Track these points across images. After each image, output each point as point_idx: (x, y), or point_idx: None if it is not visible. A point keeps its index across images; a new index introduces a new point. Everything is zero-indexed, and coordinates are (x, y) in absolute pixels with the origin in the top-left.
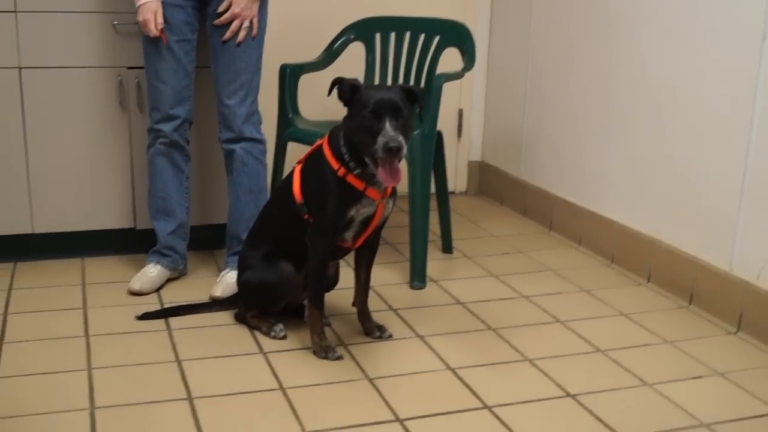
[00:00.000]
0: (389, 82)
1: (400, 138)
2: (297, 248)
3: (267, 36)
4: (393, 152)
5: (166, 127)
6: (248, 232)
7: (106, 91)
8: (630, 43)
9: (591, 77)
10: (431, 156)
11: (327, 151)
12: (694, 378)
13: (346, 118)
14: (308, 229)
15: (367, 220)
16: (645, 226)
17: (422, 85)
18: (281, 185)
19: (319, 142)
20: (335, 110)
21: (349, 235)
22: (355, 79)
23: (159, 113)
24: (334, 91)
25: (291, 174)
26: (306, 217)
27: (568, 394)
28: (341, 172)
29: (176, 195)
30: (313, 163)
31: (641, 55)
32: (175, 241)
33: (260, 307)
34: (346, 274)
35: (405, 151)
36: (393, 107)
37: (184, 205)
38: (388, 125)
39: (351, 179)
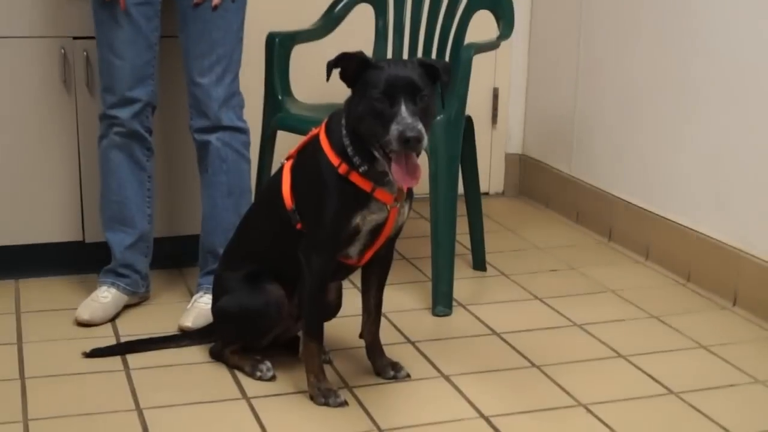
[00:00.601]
0: (405, 55)
1: (419, 126)
2: (288, 266)
3: None
4: (411, 144)
5: (123, 113)
6: (225, 247)
7: (45, 68)
8: (713, 6)
9: (661, 49)
10: (458, 148)
11: (324, 143)
12: None
13: (349, 101)
14: (302, 241)
15: (376, 230)
16: (730, 235)
17: (447, 58)
18: (267, 186)
19: (314, 131)
20: (337, 91)
21: (353, 249)
22: (361, 52)
23: (114, 96)
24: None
25: (279, 172)
26: (299, 226)
27: None
28: (343, 169)
29: (136, 199)
30: (306, 159)
31: (727, 23)
32: (134, 258)
33: (242, 340)
34: (351, 298)
35: (426, 142)
36: (410, 87)
37: (146, 211)
38: (403, 110)
39: (355, 178)
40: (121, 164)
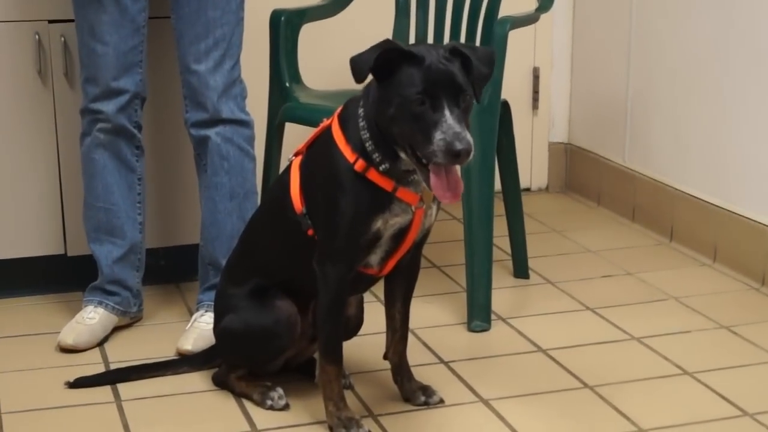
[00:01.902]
0: (431, 31)
1: (468, 136)
2: (300, 279)
3: None
4: (460, 157)
5: (108, 107)
6: (228, 258)
7: (17, 57)
8: None
9: (727, 16)
10: (494, 138)
11: (338, 136)
12: None
13: (374, 93)
14: (316, 250)
15: (399, 235)
16: None
17: (479, 34)
18: (274, 187)
19: (325, 122)
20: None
21: (374, 258)
22: (392, 42)
23: (97, 87)
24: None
25: (287, 170)
26: (310, 233)
27: None
28: (360, 166)
29: (125, 205)
30: (317, 155)
31: None
32: (124, 272)
33: (249, 365)
34: (374, 314)
35: (473, 154)
36: (453, 86)
37: (137, 219)
38: (448, 115)
39: (374, 176)
40: (106, 166)
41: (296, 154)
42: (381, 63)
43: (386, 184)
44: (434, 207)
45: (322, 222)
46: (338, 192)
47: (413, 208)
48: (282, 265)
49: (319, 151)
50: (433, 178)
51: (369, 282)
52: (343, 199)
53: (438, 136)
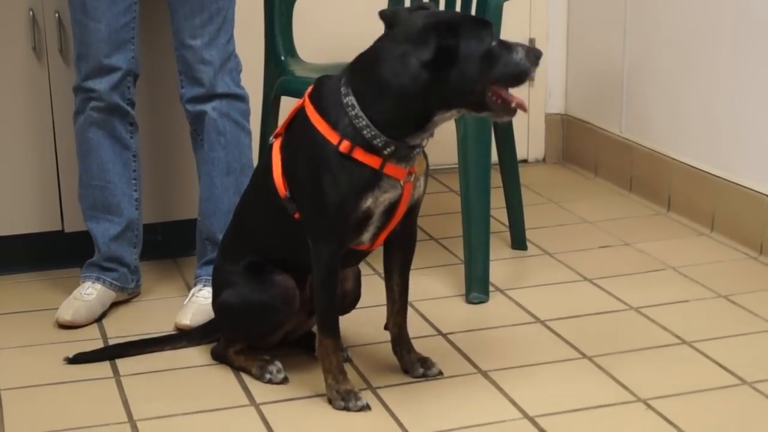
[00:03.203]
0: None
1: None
2: (296, 255)
3: None
4: (539, 58)
5: (100, 85)
6: (223, 235)
7: (12, 34)
8: None
9: None
10: None
11: (316, 118)
12: None
13: (415, 74)
14: (305, 225)
15: (390, 210)
16: None
17: (474, 5)
18: (259, 169)
19: (298, 103)
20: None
21: (367, 236)
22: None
23: (88, 64)
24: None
25: (269, 153)
26: (297, 216)
27: None
28: (345, 146)
29: (121, 182)
30: (296, 138)
31: None
32: (121, 249)
33: (248, 339)
34: (373, 285)
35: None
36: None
37: (133, 196)
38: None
39: (359, 155)
40: (101, 144)
41: (276, 136)
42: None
43: (373, 162)
44: (422, 179)
45: (308, 205)
46: (323, 174)
47: (402, 182)
48: (275, 244)
49: (297, 134)
50: (504, 95)
51: (361, 256)
52: (330, 182)
53: (519, 53)
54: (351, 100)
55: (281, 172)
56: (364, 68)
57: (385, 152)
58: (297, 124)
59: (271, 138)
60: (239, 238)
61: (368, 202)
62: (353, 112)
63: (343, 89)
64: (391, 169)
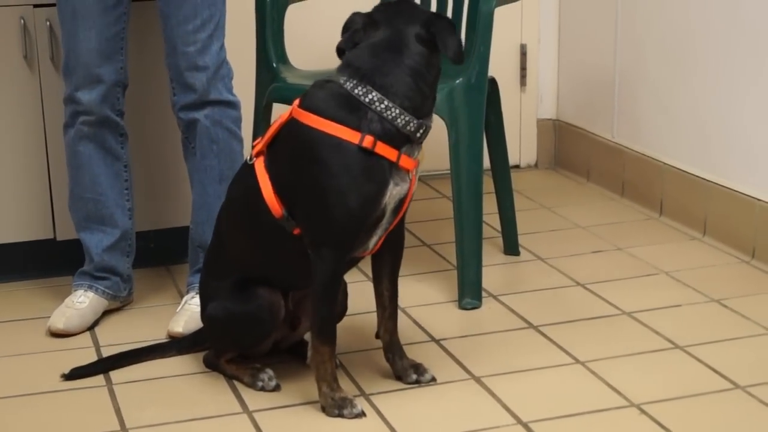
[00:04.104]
0: None
1: None
2: (283, 272)
3: None
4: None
5: (88, 97)
6: (206, 250)
7: (3, 42)
8: None
9: None
10: (482, 115)
11: (324, 124)
12: None
13: (423, 56)
14: (309, 238)
15: (398, 206)
16: None
17: (465, 10)
18: (238, 189)
19: (282, 118)
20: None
21: (374, 239)
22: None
23: (78, 74)
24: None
25: (251, 173)
26: (296, 232)
27: None
28: (368, 141)
29: (113, 194)
30: (290, 150)
31: None
32: (114, 259)
33: (235, 348)
34: (363, 292)
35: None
36: None
37: (126, 206)
38: None
39: (381, 149)
40: (92, 157)
41: (256, 155)
42: None
43: (391, 155)
44: (416, 173)
45: (318, 215)
46: (340, 177)
47: (410, 175)
48: (261, 263)
49: (291, 147)
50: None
51: (358, 260)
52: (348, 186)
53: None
54: (374, 96)
55: (273, 191)
56: (373, 64)
57: (418, 135)
58: (288, 138)
59: (249, 158)
60: (223, 257)
61: (386, 198)
62: (381, 106)
63: (357, 90)
64: (404, 160)
